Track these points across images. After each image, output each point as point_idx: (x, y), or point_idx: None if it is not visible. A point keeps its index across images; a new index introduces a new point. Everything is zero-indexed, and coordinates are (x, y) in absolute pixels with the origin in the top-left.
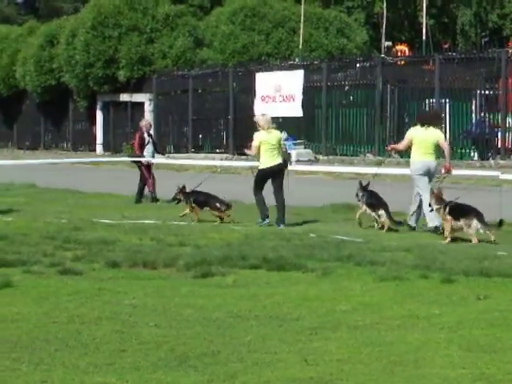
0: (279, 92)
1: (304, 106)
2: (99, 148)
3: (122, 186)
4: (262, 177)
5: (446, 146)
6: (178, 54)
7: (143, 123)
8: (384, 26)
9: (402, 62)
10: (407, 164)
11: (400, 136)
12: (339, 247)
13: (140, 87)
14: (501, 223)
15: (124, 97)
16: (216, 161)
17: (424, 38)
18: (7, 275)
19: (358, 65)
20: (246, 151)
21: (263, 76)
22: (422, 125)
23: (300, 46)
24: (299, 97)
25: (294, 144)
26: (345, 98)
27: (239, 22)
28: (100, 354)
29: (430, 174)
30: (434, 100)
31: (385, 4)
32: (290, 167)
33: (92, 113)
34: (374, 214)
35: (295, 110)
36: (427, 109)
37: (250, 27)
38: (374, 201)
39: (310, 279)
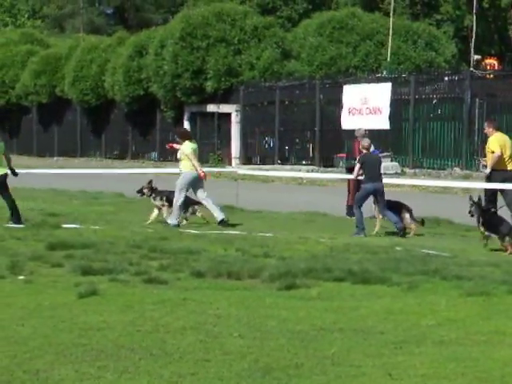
0: (366, 104)
1: (391, 118)
2: None
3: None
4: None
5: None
6: (266, 65)
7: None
8: (473, 40)
9: (491, 76)
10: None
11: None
12: (425, 261)
13: (227, 98)
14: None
15: (211, 107)
16: (302, 172)
17: None
18: (94, 283)
19: (446, 78)
20: None
21: (350, 88)
22: (190, 139)
23: (388, 59)
24: (386, 109)
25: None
26: (432, 112)
27: (327, 35)
28: (184, 363)
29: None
30: None
31: (474, 17)
32: None
33: (179, 123)
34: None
35: (382, 122)
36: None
37: (338, 39)
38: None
39: (395, 293)
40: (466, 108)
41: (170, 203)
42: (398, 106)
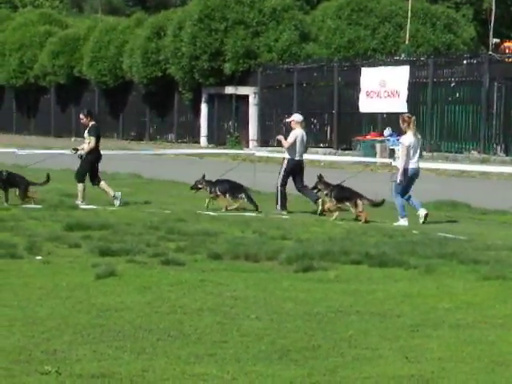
0: (384, 87)
1: (409, 101)
2: (203, 140)
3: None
4: None
5: None
6: (284, 47)
7: None
8: (492, 23)
9: (510, 60)
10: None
11: (508, 133)
12: (442, 244)
13: (245, 80)
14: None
15: (229, 89)
16: (319, 155)
17: None
18: (111, 264)
19: (464, 61)
20: None
21: (368, 71)
22: None
23: (406, 42)
24: (404, 92)
25: (398, 140)
26: (451, 95)
27: (345, 17)
28: (201, 344)
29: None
30: None
31: (493, 0)
32: (393, 163)
33: (197, 105)
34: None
35: (400, 105)
36: None
37: (357, 22)
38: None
39: (413, 276)
40: (484, 91)
41: None
42: (415, 89)
